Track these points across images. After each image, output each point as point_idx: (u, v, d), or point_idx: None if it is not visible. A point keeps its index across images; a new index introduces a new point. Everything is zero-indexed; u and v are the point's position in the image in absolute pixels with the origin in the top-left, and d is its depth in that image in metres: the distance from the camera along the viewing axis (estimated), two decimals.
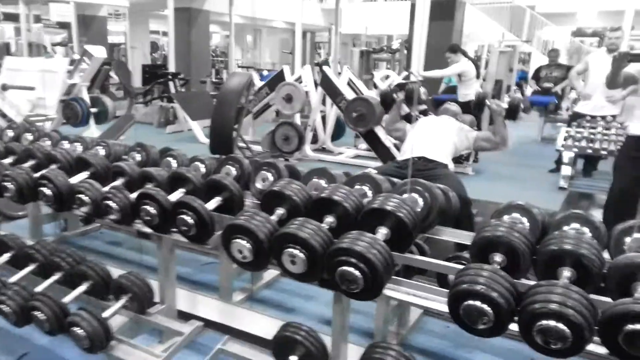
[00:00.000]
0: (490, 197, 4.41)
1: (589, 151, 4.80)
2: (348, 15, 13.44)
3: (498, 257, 1.50)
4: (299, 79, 6.40)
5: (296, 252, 1.59)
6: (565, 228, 1.66)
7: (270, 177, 2.28)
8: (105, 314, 1.86)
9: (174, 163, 2.54)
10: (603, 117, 5.27)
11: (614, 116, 5.26)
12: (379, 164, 5.55)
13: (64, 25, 10.80)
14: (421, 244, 2.20)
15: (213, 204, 1.99)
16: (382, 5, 14.67)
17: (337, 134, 6.89)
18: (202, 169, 2.45)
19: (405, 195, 1.89)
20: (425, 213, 1.87)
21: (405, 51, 8.95)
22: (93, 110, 6.32)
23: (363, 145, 6.38)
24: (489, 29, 13.58)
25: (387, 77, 7.54)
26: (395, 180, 2.25)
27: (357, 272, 1.48)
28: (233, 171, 2.35)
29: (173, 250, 2.20)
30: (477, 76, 6.18)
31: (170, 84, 8.29)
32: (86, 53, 6.02)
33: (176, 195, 2.03)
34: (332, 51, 10.75)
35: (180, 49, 9.73)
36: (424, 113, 4.73)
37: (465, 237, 1.89)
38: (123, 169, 2.26)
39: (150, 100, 8.21)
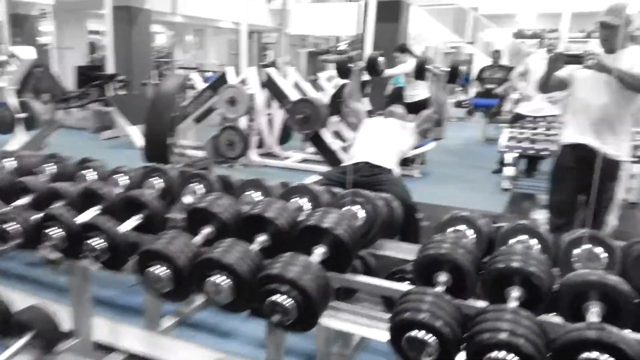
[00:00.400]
0: (438, 200, 4.37)
1: (531, 152, 4.85)
2: (296, 16, 13.29)
3: (443, 277, 1.37)
4: (243, 81, 6.17)
5: (221, 279, 1.40)
6: (512, 240, 1.56)
7: (200, 190, 2.08)
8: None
9: (91, 176, 2.28)
10: (544, 118, 5.36)
11: (554, 116, 5.37)
12: (326, 167, 5.42)
13: None
14: (366, 257, 2.06)
15: (130, 224, 1.76)
16: (330, 7, 14.60)
17: (284, 138, 6.70)
18: (125, 181, 2.21)
19: (345, 208, 1.74)
20: (366, 227, 1.72)
21: (353, 52, 8.87)
22: (21, 115, 5.86)
23: (310, 149, 6.23)
24: (434, 30, 13.78)
25: (332, 77, 7.39)
26: (336, 190, 2.10)
27: (288, 302, 1.31)
28: (159, 184, 2.13)
29: (87, 277, 1.95)
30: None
31: (108, 86, 7.83)
32: (13, 55, 5.55)
33: (87, 215, 1.79)
34: (280, 52, 10.56)
35: (120, 49, 9.24)
36: (369, 114, 4.60)
37: (409, 251, 1.76)
38: (27, 185, 1.99)
39: (86, 104, 7.70)
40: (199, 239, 1.59)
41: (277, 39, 12.74)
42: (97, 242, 1.63)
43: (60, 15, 10.85)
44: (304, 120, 5.20)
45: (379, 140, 3.22)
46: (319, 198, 1.84)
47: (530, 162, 5.49)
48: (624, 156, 2.74)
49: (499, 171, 5.50)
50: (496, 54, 8.27)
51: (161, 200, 2.06)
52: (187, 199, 2.09)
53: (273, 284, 1.33)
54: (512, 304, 1.25)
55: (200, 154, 6.03)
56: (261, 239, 1.58)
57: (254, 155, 6.09)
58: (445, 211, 4.20)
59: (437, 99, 3.28)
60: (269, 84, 5.75)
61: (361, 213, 1.74)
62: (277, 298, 1.31)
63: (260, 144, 6.46)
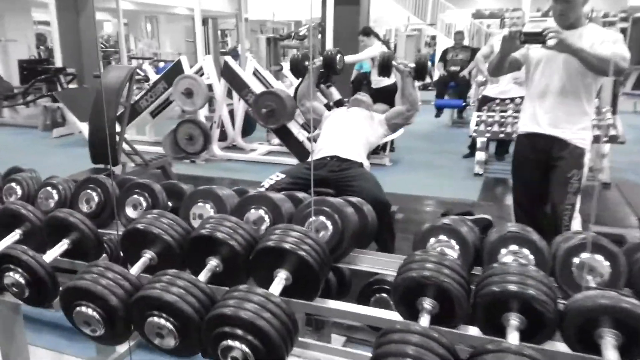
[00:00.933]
0: (410, 189, 4.21)
1: (502, 136, 4.73)
2: (255, 0, 12.82)
3: (427, 304, 1.16)
4: (200, 71, 5.82)
5: (162, 321, 1.15)
6: (503, 251, 1.36)
7: (143, 202, 1.80)
8: None
9: (18, 190, 1.97)
10: (512, 100, 5.24)
11: (522, 98, 5.25)
12: (293, 160, 5.18)
13: None
14: (340, 266, 1.84)
15: (56, 251, 1.48)
16: None
17: (247, 129, 6.38)
18: (55, 195, 1.91)
19: (310, 220, 1.51)
20: (335, 242, 1.50)
21: (320, 36, 8.58)
22: None
23: (276, 140, 5.96)
24: (395, 13, 13.58)
25: None
26: (300, 195, 1.86)
27: (245, 348, 1.07)
28: (95, 197, 1.84)
29: (16, 310, 1.67)
30: None
31: (57, 80, 7.30)
32: None
33: (4, 243, 1.50)
34: (239, 39, 10.15)
35: (68, 40, 8.63)
36: (339, 103, 4.35)
37: (387, 264, 1.55)
38: None
39: (31, 101, 7.16)
40: (136, 269, 1.34)
41: (235, 25, 12.29)
42: (17, 276, 1.35)
43: None
44: (269, 114, 4.91)
45: (346, 132, 3.00)
46: (280, 208, 1.60)
47: (500, 145, 5.38)
48: (585, 143, 2.47)
49: (469, 155, 5.38)
50: (458, 36, 8.11)
51: (99, 217, 1.80)
52: (131, 213, 1.82)
53: (226, 326, 1.09)
54: (513, 336, 1.05)
55: (159, 150, 5.70)
56: (212, 264, 1.34)
57: (216, 149, 5.78)
58: (418, 201, 4.03)
59: (408, 95, 3.03)
60: (227, 74, 5.44)
61: (328, 225, 1.51)
62: (231, 343, 1.08)
63: (223, 137, 6.14)
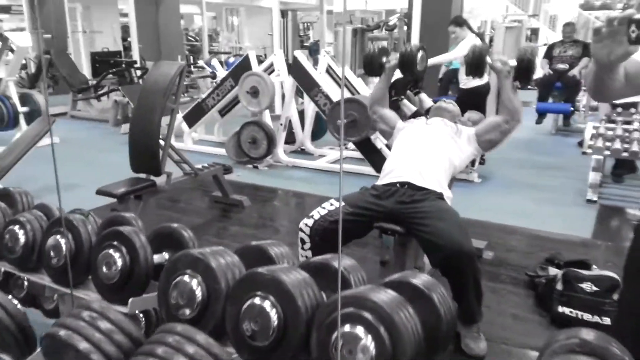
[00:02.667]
0: (502, 217, 3.43)
1: (625, 154, 3.74)
2: None
3: None
4: (270, 67, 5.35)
5: None
6: None
7: (119, 261, 1.29)
8: None
9: None
10: (637, 108, 4.23)
11: None
12: (368, 168, 4.56)
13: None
14: None
15: None
16: None
17: (318, 133, 5.81)
18: (22, 238, 1.46)
19: (335, 334, 0.90)
20: None
21: (405, 27, 7.81)
22: (23, 109, 5.34)
23: (349, 145, 5.34)
24: (492, 3, 12.37)
25: None
26: (336, 264, 1.25)
27: None
28: (63, 246, 1.37)
29: None
30: None
31: (129, 74, 7.19)
32: (5, 42, 4.97)
33: None
34: (321, 33, 9.62)
35: (146, 33, 8.58)
36: (417, 114, 3.63)
37: None
38: None
39: (104, 94, 7.08)
40: None
41: (318, 18, 11.80)
42: None
43: None
44: (349, 125, 4.26)
45: (423, 151, 2.33)
46: (295, 302, 1.00)
47: (620, 164, 4.33)
48: None
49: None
50: (568, 28, 6.93)
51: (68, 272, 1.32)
52: (103, 276, 1.32)
53: None
54: None
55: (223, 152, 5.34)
56: None
57: (281, 153, 5.28)
58: (514, 234, 3.21)
59: (507, 102, 2.30)
60: (295, 71, 4.90)
61: (367, 342, 0.90)
62: None
63: (292, 139, 5.63)
